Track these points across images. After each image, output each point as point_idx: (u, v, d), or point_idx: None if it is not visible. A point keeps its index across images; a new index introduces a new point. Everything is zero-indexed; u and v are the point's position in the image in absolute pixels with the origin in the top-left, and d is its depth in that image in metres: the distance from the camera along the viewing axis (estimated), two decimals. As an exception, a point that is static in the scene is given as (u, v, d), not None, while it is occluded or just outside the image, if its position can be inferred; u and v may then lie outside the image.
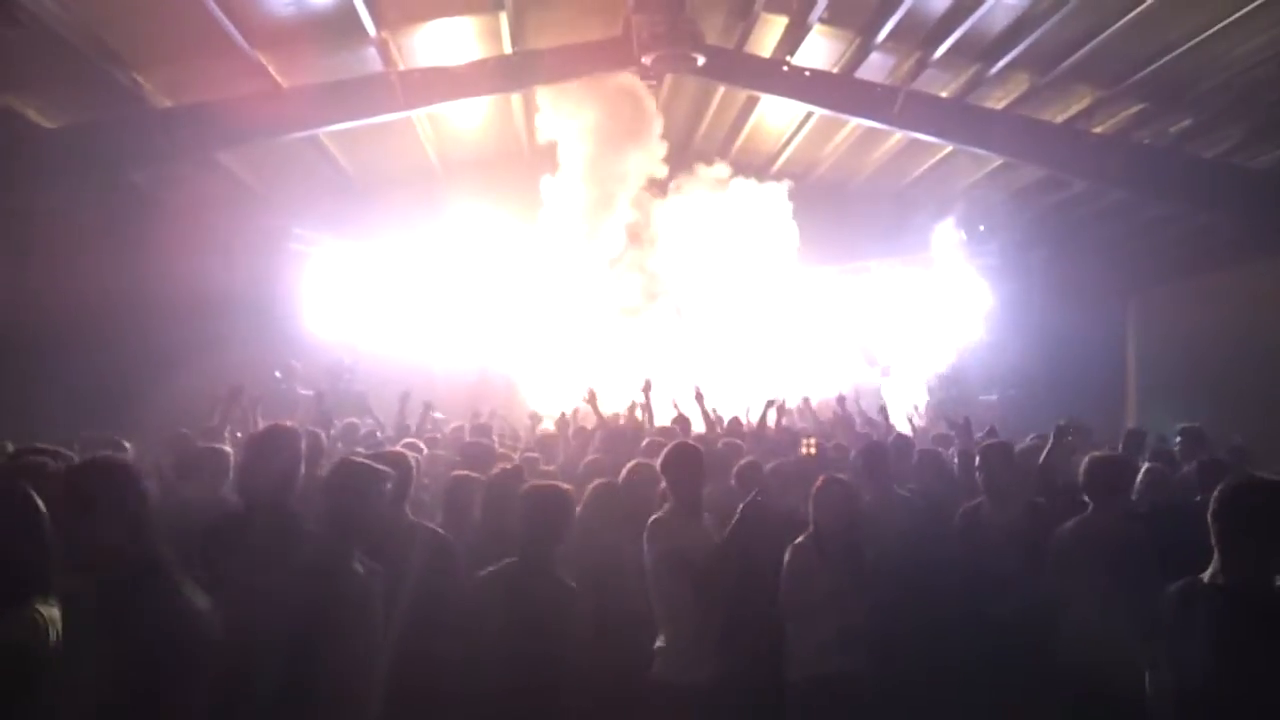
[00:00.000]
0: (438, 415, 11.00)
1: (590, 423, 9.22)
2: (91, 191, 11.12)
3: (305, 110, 12.53)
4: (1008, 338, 15.02)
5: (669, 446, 5.33)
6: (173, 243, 11.95)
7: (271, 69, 11.65)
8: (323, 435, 6.48)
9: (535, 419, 11.23)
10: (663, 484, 5.26)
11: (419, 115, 13.86)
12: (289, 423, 5.06)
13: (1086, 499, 5.29)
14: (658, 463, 5.28)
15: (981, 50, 11.97)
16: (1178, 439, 8.22)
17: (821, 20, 12.06)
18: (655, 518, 5.00)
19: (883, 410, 10.87)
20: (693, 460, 5.14)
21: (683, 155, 16.23)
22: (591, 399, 9.37)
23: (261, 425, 6.09)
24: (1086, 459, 5.43)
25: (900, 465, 6.86)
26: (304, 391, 12.16)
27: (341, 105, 12.69)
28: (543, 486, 4.71)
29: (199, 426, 7.76)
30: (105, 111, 11.25)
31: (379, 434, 9.13)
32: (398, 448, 6.18)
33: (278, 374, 12.47)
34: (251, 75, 11.61)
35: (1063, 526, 5.30)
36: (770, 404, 9.71)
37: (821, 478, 5.36)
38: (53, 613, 3.10)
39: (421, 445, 7.38)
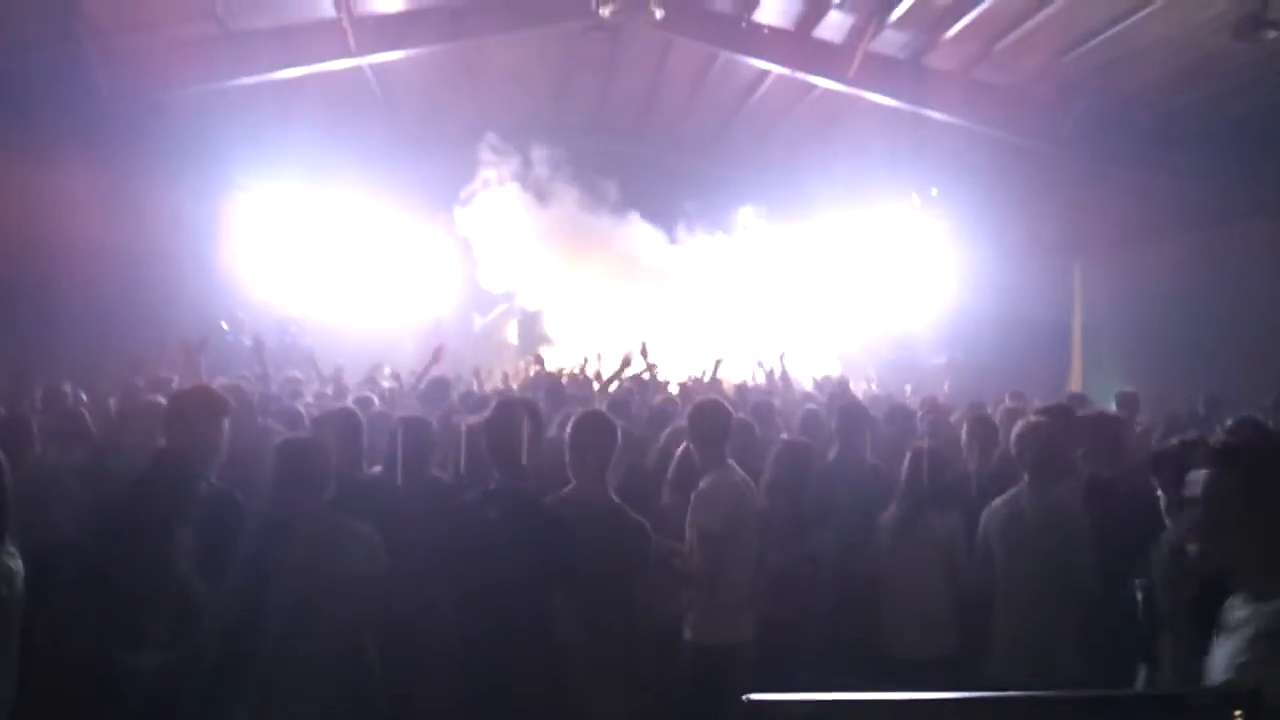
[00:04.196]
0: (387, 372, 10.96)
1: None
2: (22, 136, 10.74)
3: (252, 55, 12.24)
4: (957, 301, 15.18)
5: (700, 404, 5.36)
6: (111, 190, 11.68)
7: (218, 9, 11.35)
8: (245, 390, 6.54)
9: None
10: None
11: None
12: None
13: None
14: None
15: (938, 13, 11.97)
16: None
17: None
18: (702, 488, 4.98)
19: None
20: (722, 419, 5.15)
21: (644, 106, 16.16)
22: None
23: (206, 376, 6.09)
24: (1020, 425, 5.11)
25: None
26: (248, 342, 12.01)
27: (290, 51, 12.40)
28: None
29: (149, 376, 7.71)
30: (37, 51, 10.86)
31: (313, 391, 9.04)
32: (348, 404, 6.19)
33: (224, 324, 12.30)
34: (197, 16, 11.32)
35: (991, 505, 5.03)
36: (718, 364, 9.92)
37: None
38: (16, 563, 3.11)
39: (374, 399, 7.37)
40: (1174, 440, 4.16)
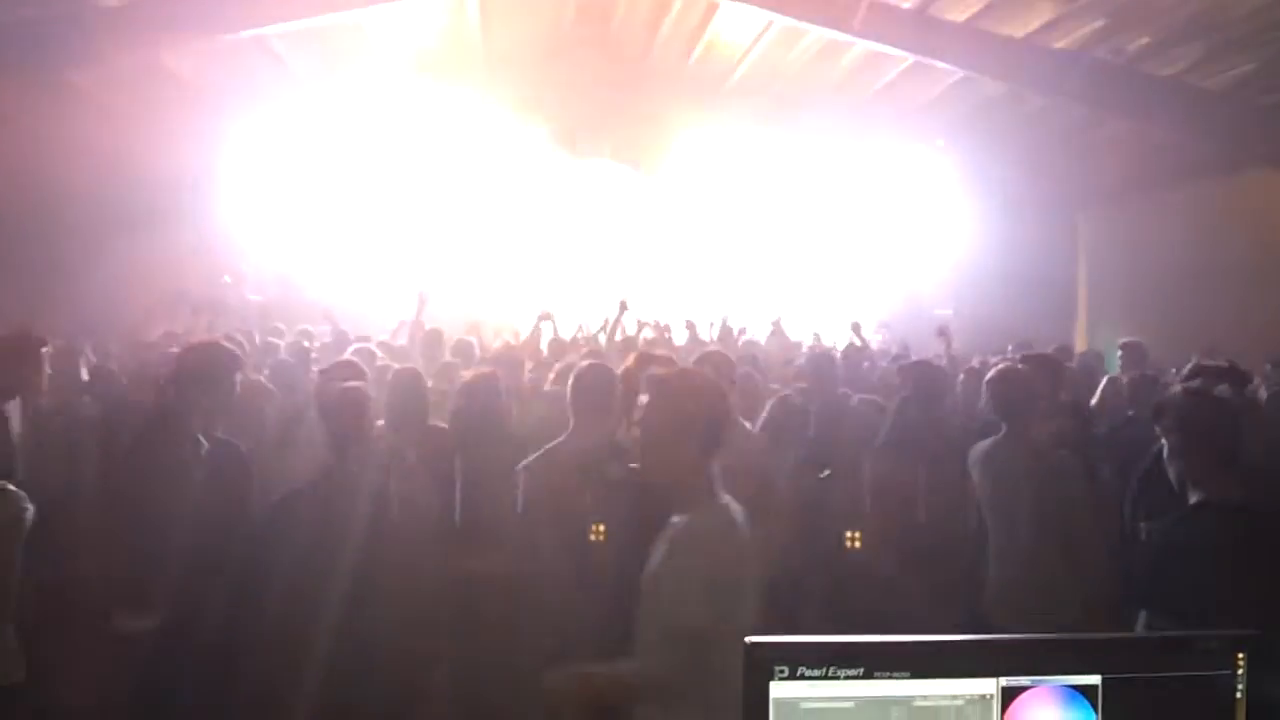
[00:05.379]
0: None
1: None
2: (27, 92, 10.65)
3: (255, 7, 12.09)
4: (962, 252, 15.11)
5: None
6: (114, 146, 11.59)
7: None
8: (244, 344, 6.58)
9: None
10: None
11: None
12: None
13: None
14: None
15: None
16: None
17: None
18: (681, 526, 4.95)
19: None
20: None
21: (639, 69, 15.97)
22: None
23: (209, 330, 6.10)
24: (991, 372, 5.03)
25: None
26: (253, 297, 12.00)
27: (294, 2, 12.25)
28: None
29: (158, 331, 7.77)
30: (41, 7, 10.74)
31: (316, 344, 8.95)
32: (348, 356, 6.12)
33: (227, 279, 12.28)
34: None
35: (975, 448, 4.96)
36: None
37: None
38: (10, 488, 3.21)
39: (376, 351, 7.30)
40: (1176, 388, 4.15)
